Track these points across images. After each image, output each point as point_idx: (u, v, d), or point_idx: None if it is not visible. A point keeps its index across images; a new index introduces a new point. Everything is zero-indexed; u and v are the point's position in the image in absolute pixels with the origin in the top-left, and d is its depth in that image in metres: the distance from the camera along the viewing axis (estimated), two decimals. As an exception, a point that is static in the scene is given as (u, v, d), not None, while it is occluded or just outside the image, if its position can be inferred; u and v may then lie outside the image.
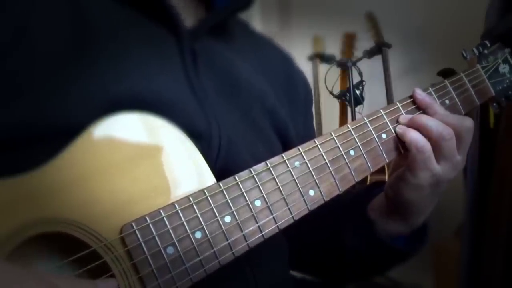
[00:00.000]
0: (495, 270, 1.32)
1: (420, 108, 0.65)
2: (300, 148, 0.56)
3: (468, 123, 0.62)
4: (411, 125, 0.62)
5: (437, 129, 0.60)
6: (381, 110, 0.63)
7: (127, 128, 0.49)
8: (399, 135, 0.62)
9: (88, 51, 0.52)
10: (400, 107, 0.64)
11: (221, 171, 0.56)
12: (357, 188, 0.71)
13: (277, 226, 0.53)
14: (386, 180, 0.66)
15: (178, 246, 0.48)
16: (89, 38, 0.53)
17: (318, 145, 0.57)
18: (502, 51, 0.75)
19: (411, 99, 0.65)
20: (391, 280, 2.09)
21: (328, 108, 1.74)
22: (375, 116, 0.62)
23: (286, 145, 0.70)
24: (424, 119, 0.62)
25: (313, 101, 1.68)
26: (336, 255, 0.73)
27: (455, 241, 1.65)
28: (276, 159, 0.55)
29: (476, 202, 1.36)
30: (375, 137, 0.61)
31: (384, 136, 0.62)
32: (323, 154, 0.57)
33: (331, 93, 1.73)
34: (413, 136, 0.61)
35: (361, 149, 0.60)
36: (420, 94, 0.65)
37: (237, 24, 0.73)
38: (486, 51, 0.73)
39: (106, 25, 0.55)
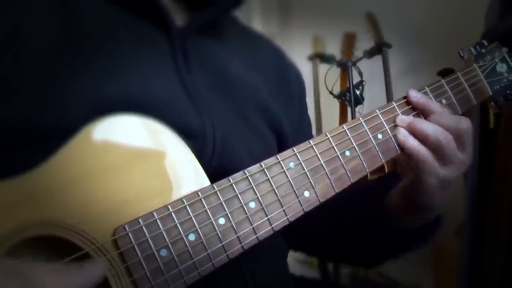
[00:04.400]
0: (495, 270, 1.32)
1: (416, 109, 0.64)
2: (295, 149, 0.56)
3: (464, 123, 0.62)
4: (408, 130, 0.61)
5: (434, 135, 0.59)
6: (377, 110, 0.62)
7: (122, 130, 0.49)
8: (400, 144, 0.61)
9: (81, 52, 0.52)
10: (396, 107, 0.63)
11: (218, 168, 0.56)
12: (372, 179, 0.73)
13: (272, 228, 0.53)
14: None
15: (171, 249, 0.48)
16: (82, 39, 0.53)
17: (313, 146, 0.56)
18: (499, 50, 0.74)
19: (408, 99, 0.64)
20: (390, 279, 2.08)
21: (328, 108, 1.74)
22: (370, 116, 0.61)
23: (281, 141, 0.70)
24: (420, 125, 0.61)
25: (313, 101, 1.68)
26: (352, 243, 0.73)
27: (455, 241, 1.65)
28: (270, 160, 0.54)
29: (476, 202, 1.37)
30: (371, 137, 0.60)
31: (380, 136, 0.61)
32: (318, 155, 0.56)
33: (331, 93, 1.73)
34: (415, 146, 0.60)
35: (357, 149, 0.59)
36: (414, 96, 0.64)
37: (229, 21, 0.73)
38: (483, 50, 0.73)
39: (99, 26, 0.55)
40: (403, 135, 0.61)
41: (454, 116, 0.64)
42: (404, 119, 0.62)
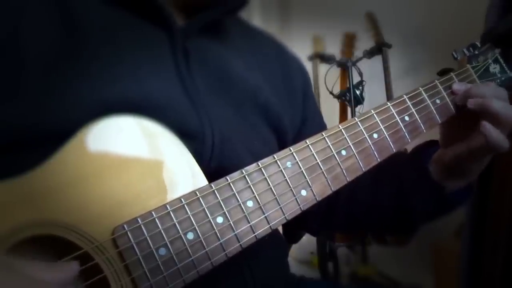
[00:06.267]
0: (495, 270, 1.32)
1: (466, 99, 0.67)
2: (291, 148, 0.56)
3: (505, 94, 0.66)
4: (479, 109, 0.64)
5: (504, 112, 0.63)
6: (372, 110, 0.62)
7: (119, 131, 0.49)
8: (483, 133, 0.63)
9: (80, 55, 0.53)
10: (391, 107, 0.64)
11: (217, 169, 0.56)
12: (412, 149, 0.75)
13: (270, 226, 0.53)
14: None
15: (170, 247, 0.48)
16: (81, 42, 0.54)
17: (309, 145, 0.57)
18: (492, 51, 0.75)
19: (402, 99, 0.65)
20: (390, 279, 2.09)
21: (328, 108, 1.74)
22: (366, 116, 0.62)
23: (282, 139, 0.71)
24: (489, 103, 0.63)
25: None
26: (403, 216, 0.74)
27: (455, 241, 1.65)
28: (267, 159, 0.55)
29: (476, 202, 1.36)
30: (367, 136, 0.61)
31: (375, 135, 0.61)
32: (314, 154, 0.57)
33: (331, 93, 1.74)
34: (495, 135, 0.62)
35: (353, 149, 0.59)
36: (459, 89, 0.68)
37: (231, 20, 0.73)
38: (476, 52, 0.73)
39: (98, 28, 0.55)
40: (486, 126, 0.63)
41: (492, 86, 0.67)
42: (473, 102, 0.65)
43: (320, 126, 0.81)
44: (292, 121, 0.74)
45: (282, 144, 0.70)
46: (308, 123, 0.78)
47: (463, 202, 0.72)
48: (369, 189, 0.75)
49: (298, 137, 0.73)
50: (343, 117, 1.79)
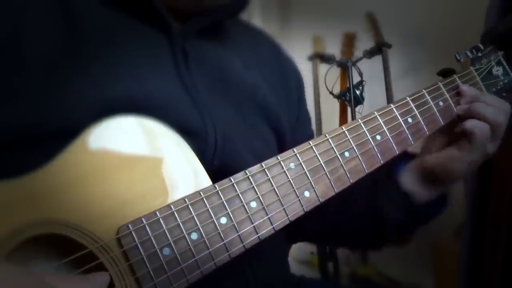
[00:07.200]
0: (495, 270, 1.32)
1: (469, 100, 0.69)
2: (295, 149, 0.56)
3: (507, 107, 0.69)
4: (468, 113, 0.67)
5: (492, 117, 0.65)
6: (375, 112, 0.63)
7: (122, 131, 0.50)
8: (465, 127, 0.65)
9: (81, 54, 0.53)
10: (394, 109, 0.64)
11: (220, 167, 0.56)
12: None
13: (273, 227, 0.53)
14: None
15: (174, 247, 0.48)
16: (82, 42, 0.54)
17: (313, 147, 0.57)
18: (495, 54, 0.75)
19: (405, 101, 0.65)
20: (390, 279, 2.09)
21: (328, 108, 1.74)
22: (369, 118, 0.62)
23: (280, 138, 0.71)
24: (480, 108, 0.66)
25: (313, 101, 1.68)
26: (375, 227, 0.74)
27: (455, 241, 1.65)
28: (271, 161, 0.55)
29: (476, 202, 1.37)
30: (370, 138, 0.61)
31: (378, 137, 0.62)
32: (317, 155, 0.57)
33: (331, 93, 1.73)
34: (481, 128, 0.64)
35: (356, 150, 0.60)
36: (466, 90, 0.69)
37: (230, 20, 0.73)
38: (479, 54, 0.74)
39: (98, 28, 0.56)
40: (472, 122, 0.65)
41: (498, 99, 0.69)
42: (463, 107, 0.68)
43: (305, 133, 0.81)
44: (289, 121, 0.74)
45: (281, 145, 0.71)
46: (297, 128, 0.78)
47: (437, 214, 0.72)
48: (339, 201, 0.72)
49: (292, 138, 0.74)
50: (343, 117, 1.79)
